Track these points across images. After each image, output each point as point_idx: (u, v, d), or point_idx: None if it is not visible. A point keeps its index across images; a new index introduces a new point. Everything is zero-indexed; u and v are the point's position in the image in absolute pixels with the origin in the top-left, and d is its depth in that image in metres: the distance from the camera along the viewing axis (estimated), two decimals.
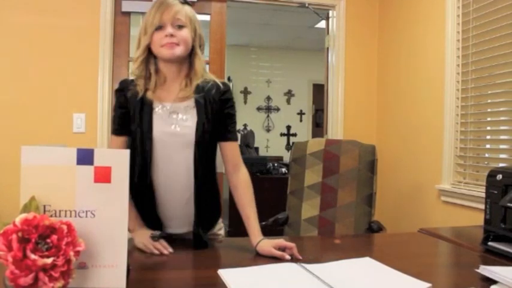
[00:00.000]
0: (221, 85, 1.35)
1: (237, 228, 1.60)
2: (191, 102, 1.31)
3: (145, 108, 1.28)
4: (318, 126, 7.14)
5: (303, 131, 7.42)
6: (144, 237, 1.24)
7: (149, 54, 1.31)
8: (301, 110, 7.56)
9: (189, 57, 1.33)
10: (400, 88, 2.97)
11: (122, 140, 1.33)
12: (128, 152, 0.87)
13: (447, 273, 1.15)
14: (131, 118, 1.30)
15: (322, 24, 3.96)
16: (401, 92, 2.95)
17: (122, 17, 2.91)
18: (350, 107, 3.24)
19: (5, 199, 1.78)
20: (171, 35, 1.25)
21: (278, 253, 1.16)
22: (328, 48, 3.34)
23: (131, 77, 1.36)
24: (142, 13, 3.26)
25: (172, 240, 1.28)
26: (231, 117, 1.37)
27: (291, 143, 7.17)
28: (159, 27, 1.26)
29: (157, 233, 1.25)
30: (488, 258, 1.20)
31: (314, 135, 7.19)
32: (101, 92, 2.82)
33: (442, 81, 2.45)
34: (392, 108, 3.08)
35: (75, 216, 0.83)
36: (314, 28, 5.70)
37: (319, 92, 5.92)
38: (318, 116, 7.32)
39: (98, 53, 2.81)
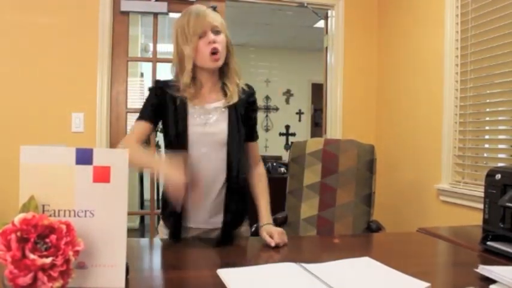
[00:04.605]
0: (247, 88, 1.47)
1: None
2: (221, 104, 1.40)
3: (180, 109, 1.36)
4: (317, 125, 7.15)
5: (302, 131, 7.42)
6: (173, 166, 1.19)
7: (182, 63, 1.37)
8: (300, 110, 7.56)
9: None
10: (399, 88, 2.98)
11: (147, 125, 1.38)
12: (126, 151, 0.87)
13: (446, 272, 1.15)
14: (166, 116, 1.38)
15: (321, 24, 3.96)
16: (400, 92, 2.95)
17: (120, 17, 2.91)
18: (349, 107, 3.24)
19: (4, 199, 1.78)
20: (214, 41, 1.32)
21: (267, 238, 1.28)
22: (327, 47, 3.34)
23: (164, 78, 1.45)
24: (141, 12, 3.27)
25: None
26: (256, 119, 1.51)
27: (289, 143, 7.18)
28: (201, 36, 1.33)
29: None
30: (487, 257, 1.20)
31: (313, 135, 7.20)
32: (100, 92, 2.81)
33: (441, 81, 2.45)
34: (391, 107, 3.08)
35: (74, 215, 0.83)
36: (313, 28, 5.70)
37: (318, 91, 5.91)
38: (316, 116, 7.32)
39: (96, 52, 2.81)
